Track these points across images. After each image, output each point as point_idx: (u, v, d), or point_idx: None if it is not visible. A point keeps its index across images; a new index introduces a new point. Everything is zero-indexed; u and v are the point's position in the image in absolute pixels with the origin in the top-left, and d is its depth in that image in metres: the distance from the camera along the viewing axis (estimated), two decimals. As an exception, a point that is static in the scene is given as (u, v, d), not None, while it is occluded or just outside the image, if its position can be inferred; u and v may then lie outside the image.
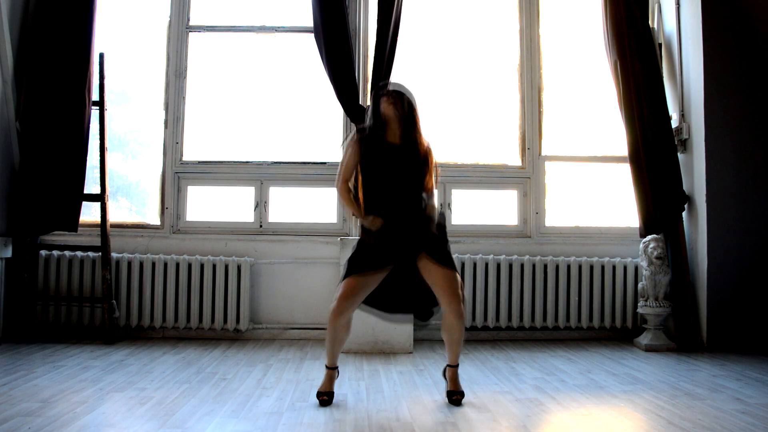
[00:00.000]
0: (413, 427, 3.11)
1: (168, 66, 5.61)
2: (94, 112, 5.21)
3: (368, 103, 5.35)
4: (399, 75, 5.46)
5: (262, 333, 5.39)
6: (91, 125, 5.19)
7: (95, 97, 5.21)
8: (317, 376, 4.03)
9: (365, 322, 4.82)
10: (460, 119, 5.76)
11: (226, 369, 4.22)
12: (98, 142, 5.19)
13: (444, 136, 5.73)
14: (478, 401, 3.55)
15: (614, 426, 3.19)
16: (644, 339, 5.17)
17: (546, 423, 3.26)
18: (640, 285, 5.30)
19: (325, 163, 5.60)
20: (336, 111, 5.54)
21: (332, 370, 3.54)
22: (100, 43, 5.30)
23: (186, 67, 5.62)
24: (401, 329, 4.89)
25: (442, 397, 3.61)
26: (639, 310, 5.27)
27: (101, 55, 5.19)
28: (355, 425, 3.12)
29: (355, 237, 5.32)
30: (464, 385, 3.80)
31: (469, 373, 4.19)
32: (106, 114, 5.23)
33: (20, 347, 4.71)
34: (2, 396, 3.46)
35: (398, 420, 3.22)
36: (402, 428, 3.08)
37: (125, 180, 5.70)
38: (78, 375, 3.95)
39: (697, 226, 5.27)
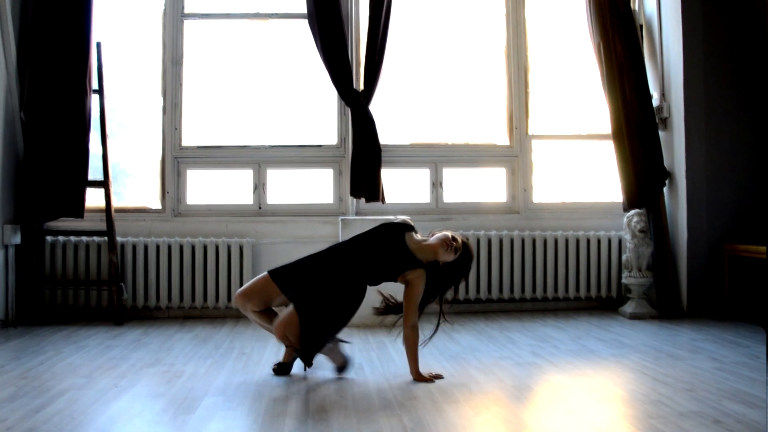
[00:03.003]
0: (430, 388, 3.38)
1: (164, 53, 5.72)
2: (95, 101, 5.34)
3: (361, 86, 5.53)
4: (391, 58, 5.66)
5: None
6: (92, 113, 5.31)
7: (95, 85, 5.34)
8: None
9: (366, 297, 5.02)
10: (450, 101, 5.96)
11: (242, 344, 4.43)
12: (99, 129, 5.31)
13: (435, 118, 5.94)
14: (483, 366, 3.81)
15: (606, 383, 3.50)
16: (628, 307, 5.46)
17: (547, 382, 3.55)
18: (624, 257, 5.57)
19: (321, 145, 5.78)
20: (331, 94, 5.71)
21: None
22: (97, 32, 5.39)
23: (182, 54, 5.74)
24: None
25: (450, 364, 3.86)
26: (623, 280, 5.55)
27: (98, 44, 5.30)
28: (377, 388, 3.37)
29: (352, 216, 5.54)
30: (466, 353, 4.12)
31: (469, 342, 4.47)
32: (106, 101, 5.36)
33: (35, 330, 4.87)
34: (47, 372, 3.67)
35: (416, 383, 3.47)
36: (421, 390, 3.34)
37: (126, 166, 5.84)
38: (105, 354, 4.13)
39: (677, 201, 5.55)
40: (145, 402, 3.17)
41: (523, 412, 3.03)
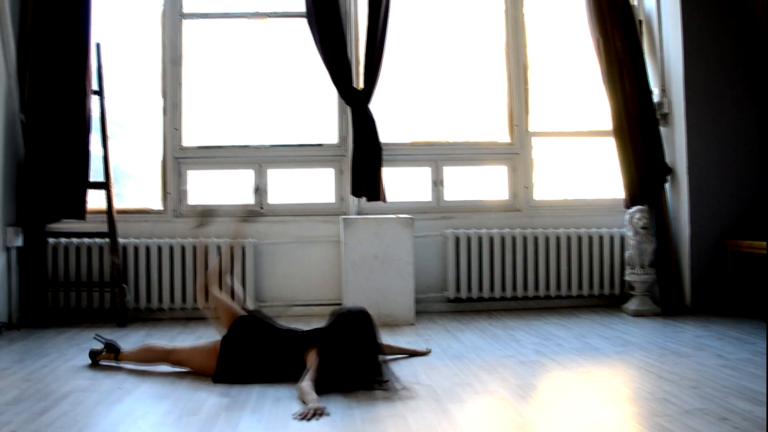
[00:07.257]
0: (434, 388, 3.37)
1: (164, 54, 5.71)
2: (95, 102, 5.33)
3: (361, 85, 5.53)
4: (390, 56, 5.64)
5: (266, 311, 5.56)
6: (92, 114, 5.31)
7: (95, 86, 5.33)
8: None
9: (368, 297, 5.03)
10: (450, 99, 5.94)
11: (244, 345, 4.42)
12: (100, 130, 5.31)
13: (435, 116, 5.93)
14: (487, 365, 3.81)
15: (611, 381, 3.49)
16: (632, 305, 5.45)
17: (551, 380, 3.55)
18: (626, 254, 5.56)
19: (321, 144, 5.77)
20: (331, 93, 5.70)
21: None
22: (96, 33, 5.38)
23: (181, 55, 5.72)
24: (403, 303, 5.11)
25: (454, 363, 3.86)
26: (626, 277, 5.55)
27: (98, 45, 5.30)
28: (381, 391, 3.35)
29: (354, 216, 5.52)
30: (470, 352, 4.10)
31: (472, 341, 4.46)
32: (107, 102, 5.35)
33: (39, 332, 4.86)
34: (50, 375, 3.68)
35: (419, 383, 3.47)
36: (426, 390, 3.34)
37: (127, 167, 5.84)
38: (108, 355, 4.13)
39: (679, 196, 5.55)
40: (150, 404, 3.17)
41: (528, 411, 3.02)
